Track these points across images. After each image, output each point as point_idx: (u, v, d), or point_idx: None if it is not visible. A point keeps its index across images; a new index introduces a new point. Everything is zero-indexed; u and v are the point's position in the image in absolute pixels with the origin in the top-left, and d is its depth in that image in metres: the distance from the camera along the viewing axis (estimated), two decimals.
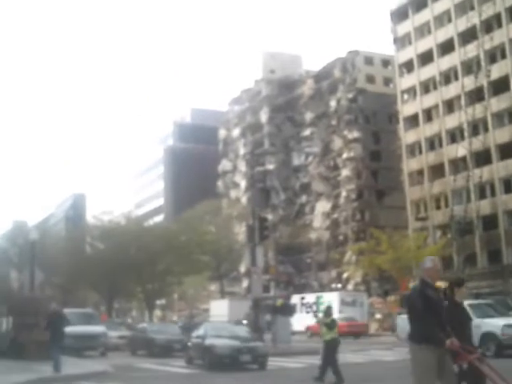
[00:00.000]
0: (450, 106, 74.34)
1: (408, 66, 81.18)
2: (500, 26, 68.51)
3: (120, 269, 58.06)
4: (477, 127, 68.43)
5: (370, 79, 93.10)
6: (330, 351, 18.88)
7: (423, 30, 79.16)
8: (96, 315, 37.05)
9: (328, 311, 20.09)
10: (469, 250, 67.45)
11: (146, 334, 31.89)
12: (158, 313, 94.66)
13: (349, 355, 26.73)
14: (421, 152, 77.86)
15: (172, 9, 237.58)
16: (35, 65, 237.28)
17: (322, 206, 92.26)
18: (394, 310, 57.59)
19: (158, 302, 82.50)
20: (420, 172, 77.55)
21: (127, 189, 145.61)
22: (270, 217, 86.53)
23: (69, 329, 27.57)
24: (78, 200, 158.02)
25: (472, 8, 70.33)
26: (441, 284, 9.76)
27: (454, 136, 72.75)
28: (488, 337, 24.72)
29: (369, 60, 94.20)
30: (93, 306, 73.61)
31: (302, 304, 58.11)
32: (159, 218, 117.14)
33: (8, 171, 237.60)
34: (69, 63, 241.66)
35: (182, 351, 28.45)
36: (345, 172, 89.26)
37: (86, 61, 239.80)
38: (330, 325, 19.22)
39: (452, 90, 73.55)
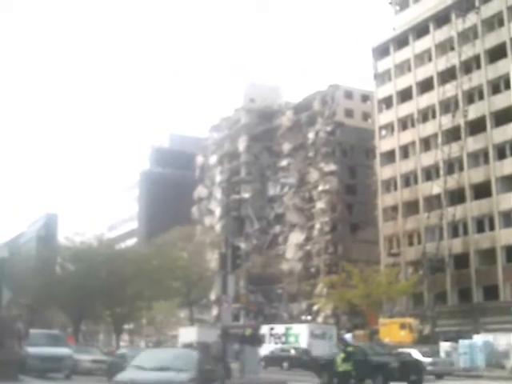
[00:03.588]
0: (426, 143, 75.02)
1: (387, 102, 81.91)
2: (479, 67, 69.44)
3: (89, 291, 57.37)
4: (452, 166, 69.07)
5: (349, 113, 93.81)
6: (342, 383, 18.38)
7: (403, 68, 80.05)
8: (62, 337, 36.38)
9: (344, 341, 19.50)
10: (440, 287, 67.77)
11: (125, 360, 30.90)
12: (125, 337, 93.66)
13: None
14: (396, 188, 78.31)
15: (154, 34, 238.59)
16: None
17: (296, 237, 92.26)
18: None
19: (126, 327, 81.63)
20: (394, 208, 77.93)
21: (101, 210, 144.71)
22: (243, 245, 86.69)
23: (34, 350, 27.18)
24: (51, 220, 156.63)
25: (452, 48, 71.33)
26: None
27: (430, 174, 73.36)
28: None
29: (349, 94, 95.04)
30: (60, 328, 72.64)
31: (271, 335, 57.80)
32: (132, 242, 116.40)
33: None
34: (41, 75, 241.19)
35: None
36: (320, 204, 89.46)
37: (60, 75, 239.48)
38: (347, 357, 18.62)
39: (429, 128, 74.26)
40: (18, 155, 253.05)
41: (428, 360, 38.86)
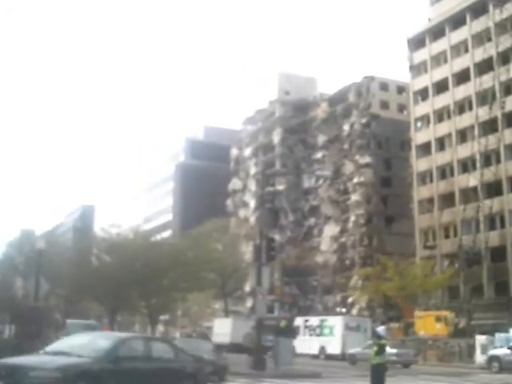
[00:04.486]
0: (463, 135, 74.33)
1: (423, 94, 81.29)
2: None
3: (125, 282, 57.85)
4: (489, 158, 68.38)
5: (385, 105, 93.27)
6: (375, 376, 18.56)
7: (439, 59, 79.34)
8: (98, 327, 36.95)
9: (376, 333, 19.66)
10: (476, 280, 67.20)
11: None
12: (160, 328, 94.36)
13: None
14: (432, 180, 77.75)
15: (189, 27, 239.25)
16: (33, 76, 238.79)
17: (330, 229, 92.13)
18: (398, 338, 57.27)
19: (162, 318, 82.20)
20: (430, 200, 77.40)
21: (137, 202, 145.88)
22: (277, 237, 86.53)
23: None
24: (87, 211, 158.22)
25: (489, 39, 70.51)
26: None
27: (466, 166, 72.70)
28: None
29: (384, 86, 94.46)
30: (95, 318, 73.39)
31: (306, 326, 57.67)
32: (167, 234, 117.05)
33: (18, 179, 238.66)
34: (75, 72, 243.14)
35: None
36: (354, 196, 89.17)
37: (96, 71, 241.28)
38: (379, 350, 18.81)
39: (466, 120, 73.55)
40: (58, 147, 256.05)
41: (393, 351, 41.46)
